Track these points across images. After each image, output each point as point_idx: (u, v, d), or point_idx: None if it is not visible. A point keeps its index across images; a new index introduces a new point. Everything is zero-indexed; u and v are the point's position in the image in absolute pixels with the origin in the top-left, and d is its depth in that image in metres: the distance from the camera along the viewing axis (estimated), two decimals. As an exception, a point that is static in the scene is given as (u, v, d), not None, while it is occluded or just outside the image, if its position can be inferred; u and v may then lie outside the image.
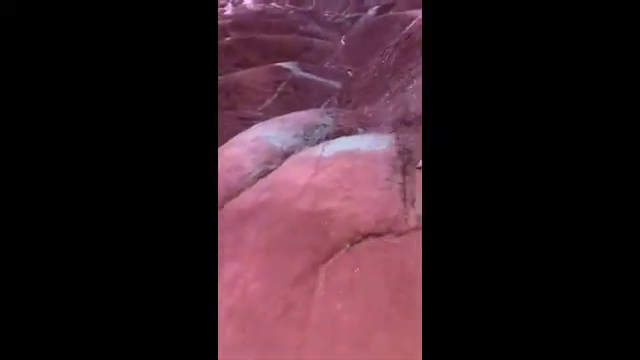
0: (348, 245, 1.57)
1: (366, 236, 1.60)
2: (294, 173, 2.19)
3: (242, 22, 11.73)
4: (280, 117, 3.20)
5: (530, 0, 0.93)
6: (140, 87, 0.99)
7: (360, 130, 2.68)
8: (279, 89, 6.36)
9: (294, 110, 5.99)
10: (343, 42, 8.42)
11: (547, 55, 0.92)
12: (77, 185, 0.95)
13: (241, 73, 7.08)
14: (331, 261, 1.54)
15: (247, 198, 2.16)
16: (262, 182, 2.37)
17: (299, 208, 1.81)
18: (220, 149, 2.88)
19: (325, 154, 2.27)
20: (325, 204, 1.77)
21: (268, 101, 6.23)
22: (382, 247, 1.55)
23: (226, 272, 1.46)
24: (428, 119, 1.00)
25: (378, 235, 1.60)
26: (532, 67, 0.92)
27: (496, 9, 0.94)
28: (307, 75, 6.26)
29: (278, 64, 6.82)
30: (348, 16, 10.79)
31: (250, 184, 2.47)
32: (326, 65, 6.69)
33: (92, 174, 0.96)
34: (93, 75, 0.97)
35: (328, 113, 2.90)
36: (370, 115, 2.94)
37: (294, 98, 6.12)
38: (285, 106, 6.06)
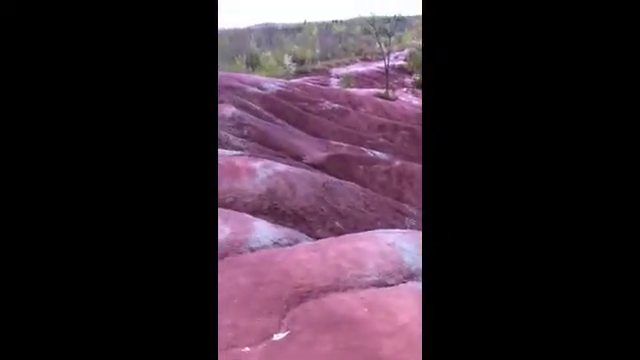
0: None
1: None
2: (391, 307, 2.09)
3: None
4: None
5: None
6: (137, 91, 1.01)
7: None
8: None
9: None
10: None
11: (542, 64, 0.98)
12: (77, 186, 1.00)
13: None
14: None
15: (344, 302, 2.14)
16: (370, 293, 2.31)
17: (372, 351, 1.71)
18: (352, 236, 2.92)
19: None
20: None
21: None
22: None
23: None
24: (428, 122, 1.04)
25: None
26: (531, 72, 0.97)
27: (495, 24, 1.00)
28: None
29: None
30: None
31: (361, 287, 2.43)
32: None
33: (91, 176, 1.00)
34: (90, 76, 1.00)
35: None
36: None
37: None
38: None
